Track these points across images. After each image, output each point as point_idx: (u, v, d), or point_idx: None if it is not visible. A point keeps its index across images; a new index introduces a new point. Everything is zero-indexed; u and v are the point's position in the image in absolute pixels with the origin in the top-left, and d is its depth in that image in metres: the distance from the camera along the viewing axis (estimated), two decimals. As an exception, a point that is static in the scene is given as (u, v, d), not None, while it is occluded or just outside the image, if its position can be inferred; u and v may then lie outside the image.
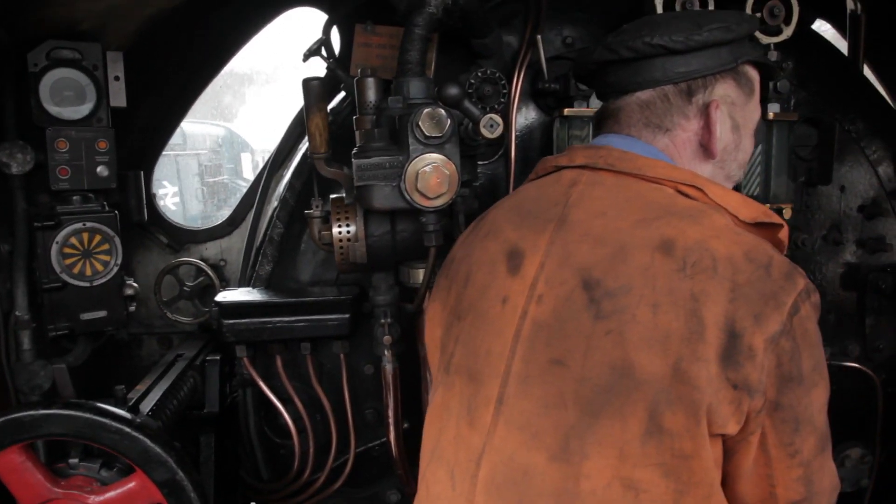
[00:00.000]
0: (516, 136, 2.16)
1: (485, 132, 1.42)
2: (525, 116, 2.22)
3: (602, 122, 1.43)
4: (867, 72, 2.78)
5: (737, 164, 1.41)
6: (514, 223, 1.35)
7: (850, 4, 2.50)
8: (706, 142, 1.34)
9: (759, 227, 1.27)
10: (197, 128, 10.16)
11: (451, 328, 1.38)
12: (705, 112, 1.33)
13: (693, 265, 1.13)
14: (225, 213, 2.82)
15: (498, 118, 1.43)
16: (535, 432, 1.18)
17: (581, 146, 1.42)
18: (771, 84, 2.13)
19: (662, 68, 1.31)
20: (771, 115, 2.15)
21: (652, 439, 1.11)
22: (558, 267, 1.23)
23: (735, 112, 1.36)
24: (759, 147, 2.21)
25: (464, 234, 1.49)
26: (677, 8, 1.92)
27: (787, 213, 2.23)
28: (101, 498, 1.69)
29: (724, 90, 1.34)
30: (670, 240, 1.16)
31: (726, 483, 1.22)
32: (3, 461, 1.65)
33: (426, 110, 1.54)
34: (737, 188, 1.60)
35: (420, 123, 1.55)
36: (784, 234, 1.31)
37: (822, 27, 2.89)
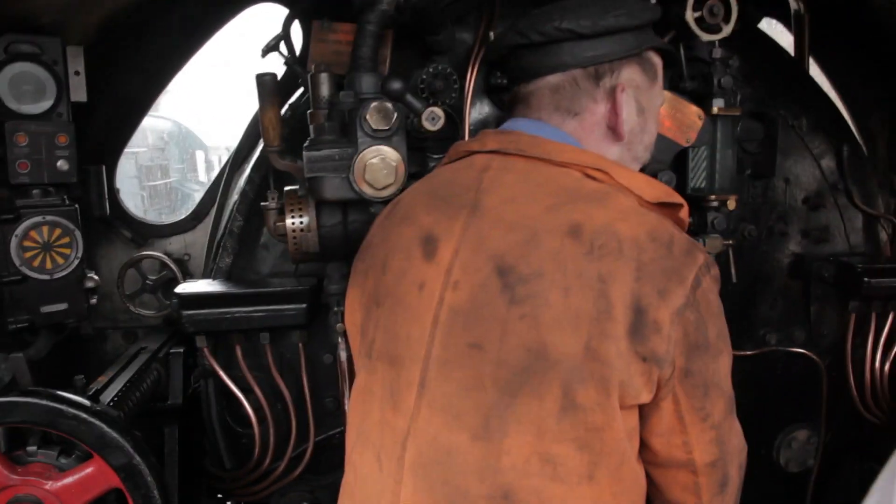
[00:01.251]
0: (471, 131, 2.22)
1: (427, 125, 1.48)
2: (479, 111, 2.27)
3: (513, 107, 1.46)
4: (814, 68, 2.89)
5: (643, 147, 1.47)
6: (428, 208, 1.38)
7: (793, 4, 2.60)
8: (613, 124, 1.39)
9: (663, 206, 1.34)
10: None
11: (370, 313, 1.40)
12: (612, 95, 1.38)
13: (600, 248, 1.19)
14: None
15: (440, 111, 1.48)
16: (457, 413, 1.22)
17: (492, 131, 1.45)
18: (715, 80, 2.21)
19: (571, 52, 1.37)
20: (716, 110, 2.22)
21: (567, 415, 1.17)
22: (472, 253, 1.26)
23: (640, 96, 1.42)
24: (705, 140, 2.30)
25: (379, 218, 1.51)
26: None
27: (732, 204, 2.31)
28: (59, 484, 1.72)
29: (629, 74, 1.40)
30: (578, 224, 1.22)
31: (645, 447, 1.30)
32: (-39, 449, 1.67)
33: (373, 104, 1.60)
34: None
35: (367, 117, 1.61)
36: (685, 212, 1.38)
37: (774, 26, 3.00)
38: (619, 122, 1.38)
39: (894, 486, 1.07)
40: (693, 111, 2.19)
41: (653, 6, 1.47)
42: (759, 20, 2.61)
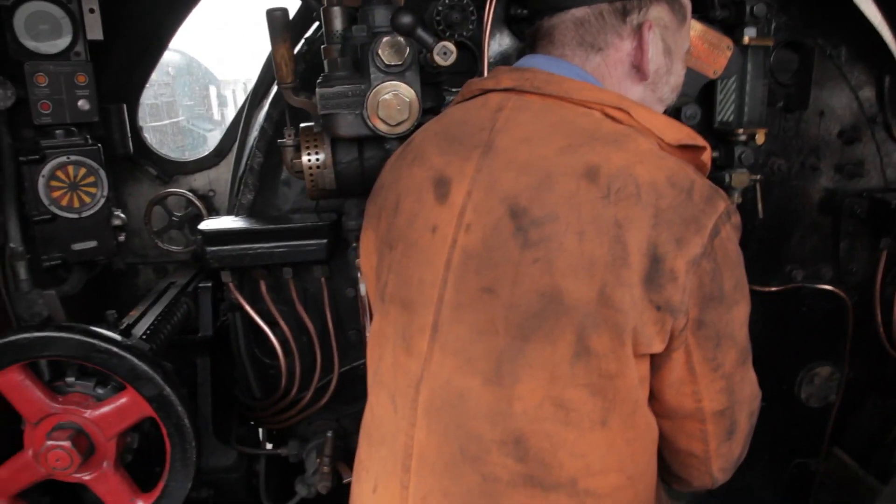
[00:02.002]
0: (490, 64, 2.17)
1: (438, 60, 1.44)
2: (499, 43, 2.21)
3: (534, 42, 1.41)
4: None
5: (669, 88, 1.42)
6: (440, 149, 1.35)
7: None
8: (638, 62, 1.34)
9: (684, 149, 1.30)
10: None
11: (383, 256, 1.40)
12: (638, 32, 1.33)
13: (617, 192, 1.15)
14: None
15: (451, 46, 1.44)
16: (469, 357, 1.22)
17: (507, 68, 1.40)
18: (747, 8, 2.10)
19: None
20: (746, 40, 2.13)
21: (580, 361, 1.16)
22: (485, 195, 1.24)
23: (667, 36, 1.36)
24: (734, 72, 2.20)
25: (391, 159, 1.49)
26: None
27: (761, 138, 2.24)
28: (97, 413, 1.82)
29: (657, 13, 1.34)
30: (595, 167, 1.18)
31: (654, 398, 1.29)
32: (5, 380, 1.77)
33: (385, 39, 1.57)
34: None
35: (380, 52, 1.58)
36: (707, 155, 1.33)
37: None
38: (644, 60, 1.33)
39: None
40: (722, 41, 2.09)
41: None
42: (798, -61, 2.44)
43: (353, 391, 2.44)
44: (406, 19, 1.39)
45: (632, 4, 1.32)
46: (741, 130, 2.20)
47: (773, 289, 2.52)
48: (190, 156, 2.84)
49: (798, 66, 2.37)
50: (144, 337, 2.05)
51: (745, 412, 1.34)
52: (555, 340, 1.17)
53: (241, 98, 10.42)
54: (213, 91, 10.03)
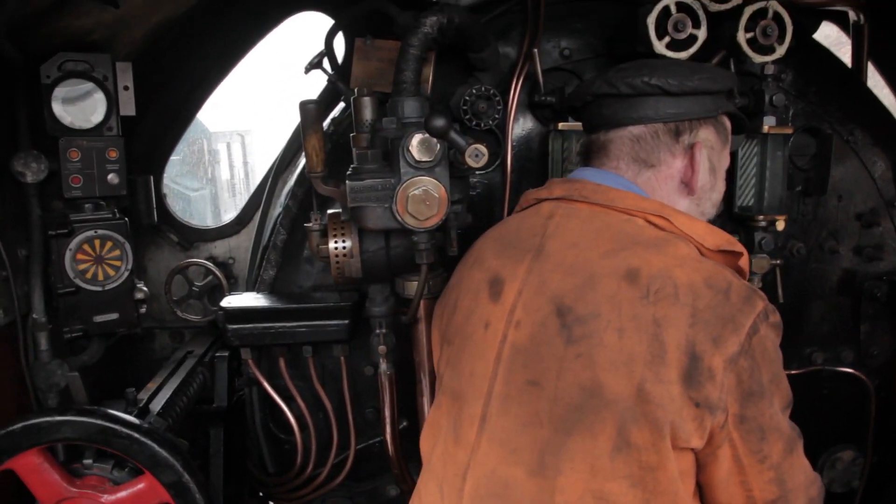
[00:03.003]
0: (513, 147, 2.20)
1: (470, 162, 1.47)
2: (522, 127, 2.25)
3: (589, 154, 1.52)
4: (873, 75, 2.77)
5: (711, 203, 1.51)
6: (496, 252, 1.47)
7: (852, 15, 2.49)
8: (688, 179, 1.44)
9: (723, 254, 1.37)
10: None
11: (443, 352, 1.51)
12: (690, 152, 1.43)
13: (656, 292, 1.22)
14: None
15: (483, 149, 1.47)
16: (515, 448, 1.28)
17: (559, 180, 1.52)
18: (767, 97, 2.14)
19: (655, 107, 1.41)
20: (766, 129, 2.16)
21: (620, 454, 1.21)
22: (534, 294, 1.33)
23: (713, 156, 1.47)
24: (755, 159, 2.23)
25: (459, 264, 1.62)
26: (669, 24, 1.93)
27: (781, 224, 2.25)
28: (114, 497, 1.80)
29: (705, 134, 1.45)
30: (635, 269, 1.25)
31: (704, 493, 1.32)
32: (23, 462, 1.76)
33: (416, 136, 1.59)
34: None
35: (410, 148, 1.60)
36: (744, 261, 1.40)
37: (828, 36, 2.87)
38: (694, 177, 1.43)
39: None
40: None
41: (732, 74, 1.55)
42: (815, 30, 2.50)
43: (368, 469, 2.41)
44: (440, 122, 1.43)
45: (684, 126, 1.43)
46: (761, 217, 2.21)
47: (794, 372, 2.50)
48: (213, 222, 2.88)
49: (816, 151, 2.39)
50: (160, 412, 2.05)
51: (802, 499, 1.34)
52: (596, 434, 1.22)
53: (236, 153, 9.97)
54: (204, 145, 9.23)
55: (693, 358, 1.19)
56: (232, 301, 2.18)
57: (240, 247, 2.85)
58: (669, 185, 1.45)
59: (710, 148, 1.46)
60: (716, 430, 1.22)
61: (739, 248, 1.38)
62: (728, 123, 1.52)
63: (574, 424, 1.23)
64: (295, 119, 2.56)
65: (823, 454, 2.60)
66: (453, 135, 1.47)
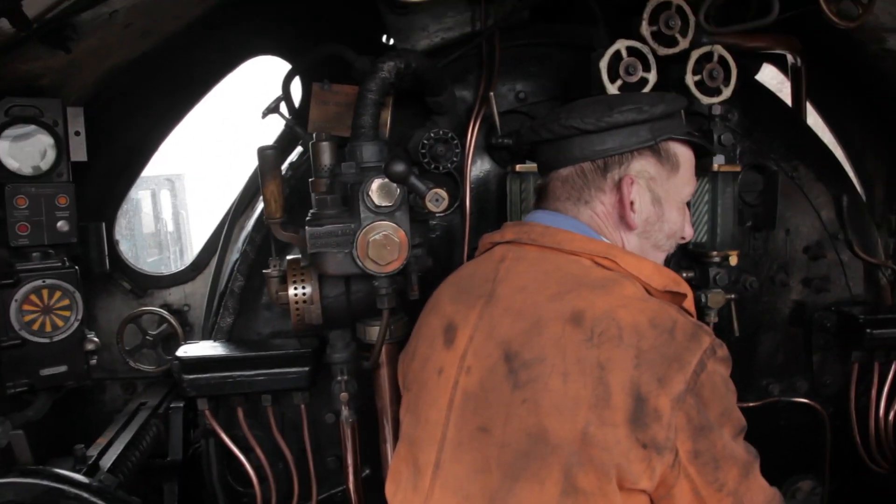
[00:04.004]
0: (472, 189, 2.22)
1: (430, 206, 1.48)
2: (480, 169, 2.28)
3: (537, 199, 1.54)
4: (812, 114, 2.91)
5: (664, 235, 1.48)
6: (452, 298, 1.47)
7: (790, 58, 2.61)
8: (622, 214, 1.43)
9: (670, 294, 1.37)
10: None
11: (403, 399, 1.52)
12: (619, 186, 1.42)
13: (600, 335, 1.22)
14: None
15: (443, 193, 1.48)
16: (467, 495, 1.28)
17: (512, 224, 1.53)
18: (715, 136, 2.22)
19: (580, 147, 1.42)
20: (716, 167, 2.23)
21: (568, 498, 1.19)
22: (485, 340, 1.33)
23: (655, 186, 1.44)
24: (707, 196, 2.30)
25: (422, 311, 1.61)
26: (620, 68, 1.99)
27: (734, 259, 2.31)
28: (60, 562, 1.70)
29: (641, 166, 1.42)
30: (580, 311, 1.25)
31: None
32: (-41, 529, 1.65)
33: (376, 181, 1.60)
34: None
35: (370, 193, 1.60)
36: (689, 302, 1.40)
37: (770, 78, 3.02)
38: (626, 212, 1.42)
39: None
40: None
41: (675, 97, 1.49)
42: (757, 71, 2.62)
43: (331, 519, 2.34)
44: (399, 167, 1.43)
45: (612, 161, 1.42)
46: (715, 252, 2.27)
47: (751, 404, 2.54)
48: (166, 269, 2.81)
49: (763, 188, 2.48)
50: (111, 468, 1.96)
51: None
52: (542, 479, 1.20)
53: (163, 201, 8.96)
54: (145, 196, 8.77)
55: (638, 399, 1.18)
56: (188, 350, 2.12)
57: (195, 293, 2.79)
58: (612, 220, 1.44)
59: (651, 178, 1.43)
60: (666, 471, 1.22)
61: (685, 289, 1.39)
62: (680, 148, 1.48)
63: (521, 470, 1.22)
64: (238, 162, 2.54)
65: (784, 484, 2.63)
66: (413, 180, 1.47)
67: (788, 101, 2.72)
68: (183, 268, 2.77)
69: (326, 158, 1.83)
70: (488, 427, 1.26)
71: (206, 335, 2.37)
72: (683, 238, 1.55)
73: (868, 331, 2.43)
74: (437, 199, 1.47)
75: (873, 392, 2.55)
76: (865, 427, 2.59)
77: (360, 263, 1.62)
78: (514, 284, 1.36)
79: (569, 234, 1.38)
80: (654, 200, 1.44)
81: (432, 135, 2.01)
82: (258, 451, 2.21)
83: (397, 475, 1.48)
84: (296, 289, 1.78)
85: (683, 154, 1.49)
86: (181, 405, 2.41)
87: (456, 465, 1.30)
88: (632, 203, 1.40)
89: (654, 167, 1.43)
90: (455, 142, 2.04)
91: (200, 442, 2.32)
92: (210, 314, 2.45)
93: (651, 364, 1.19)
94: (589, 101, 1.47)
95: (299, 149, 2.38)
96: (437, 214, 1.94)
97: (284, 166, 2.33)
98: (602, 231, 1.43)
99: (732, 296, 2.34)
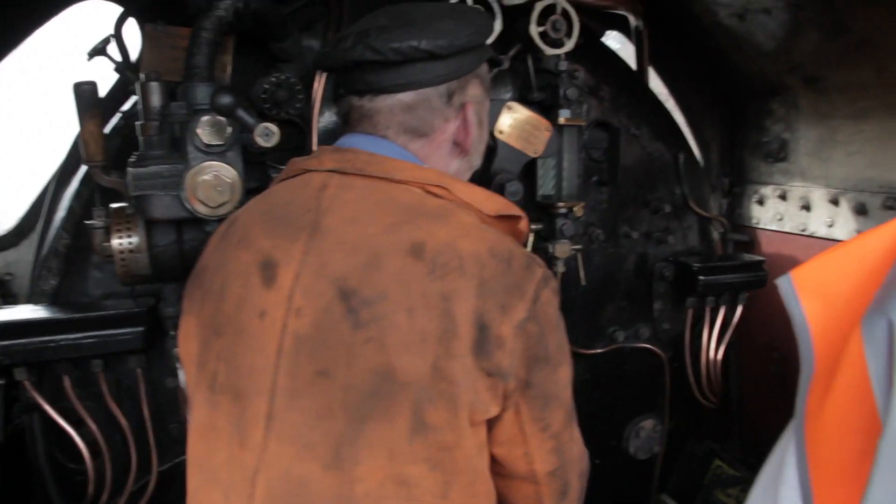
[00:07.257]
0: (319, 140, 2.15)
1: (260, 141, 1.40)
2: (328, 119, 2.20)
3: (353, 121, 1.40)
4: (655, 79, 3.08)
5: (478, 155, 1.50)
6: (265, 230, 1.31)
7: (633, 21, 2.74)
8: (462, 140, 1.40)
9: (503, 219, 1.37)
10: None
11: (209, 344, 1.32)
12: (462, 112, 1.39)
13: (442, 266, 1.19)
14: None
15: (274, 127, 1.41)
16: (308, 443, 1.19)
17: (329, 148, 1.39)
18: (561, 91, 2.28)
19: (425, 70, 1.33)
20: (562, 120, 2.30)
21: (418, 436, 1.17)
22: (314, 278, 1.22)
23: (481, 110, 1.44)
24: (553, 151, 2.37)
25: (214, 239, 1.41)
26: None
27: (579, 210, 2.41)
28: None
29: (473, 90, 1.41)
30: (420, 243, 1.21)
31: (492, 459, 1.31)
32: None
33: (205, 118, 1.50)
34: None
35: (199, 131, 1.50)
36: (524, 224, 1.42)
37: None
38: (468, 138, 1.40)
39: (782, 470, 1.07)
40: (542, 124, 2.24)
41: (490, 17, 1.47)
42: (602, 35, 2.73)
43: (175, 491, 2.20)
44: (226, 99, 1.34)
45: (453, 86, 1.37)
46: (561, 204, 2.35)
47: (599, 350, 2.68)
48: (-16, 235, 2.51)
49: (608, 145, 2.60)
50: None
51: (576, 472, 1.40)
52: (392, 418, 1.16)
53: None
54: None
55: (482, 328, 1.17)
56: (1, 315, 1.90)
57: (20, 261, 2.50)
58: (443, 149, 1.40)
59: (479, 103, 1.42)
60: (507, 395, 1.23)
61: (517, 211, 1.39)
62: (485, 69, 1.46)
63: (369, 412, 1.17)
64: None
65: (629, 425, 2.81)
66: (241, 112, 1.39)
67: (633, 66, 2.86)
68: (4, 233, 2.49)
69: (156, 100, 1.69)
70: (329, 370, 1.18)
71: (33, 301, 2.14)
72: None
73: (700, 277, 2.63)
74: (267, 134, 1.39)
75: (704, 335, 2.78)
76: (698, 367, 2.82)
77: (189, 206, 1.51)
78: (342, 215, 1.26)
79: (398, 162, 1.32)
80: (479, 123, 1.44)
81: (273, 79, 1.92)
82: (90, 423, 2.03)
83: (212, 430, 1.30)
84: (121, 238, 1.64)
85: (488, 74, 1.50)
86: (1, 383, 2.17)
87: (293, 414, 1.20)
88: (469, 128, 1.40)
89: (479, 90, 1.43)
90: (298, 87, 1.96)
91: (22, 418, 2.10)
92: (35, 280, 2.22)
93: (493, 293, 1.19)
94: (430, 14, 1.34)
95: (134, 98, 2.18)
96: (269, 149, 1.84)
97: (117, 117, 2.13)
98: (428, 160, 1.39)
99: (579, 247, 2.44)
